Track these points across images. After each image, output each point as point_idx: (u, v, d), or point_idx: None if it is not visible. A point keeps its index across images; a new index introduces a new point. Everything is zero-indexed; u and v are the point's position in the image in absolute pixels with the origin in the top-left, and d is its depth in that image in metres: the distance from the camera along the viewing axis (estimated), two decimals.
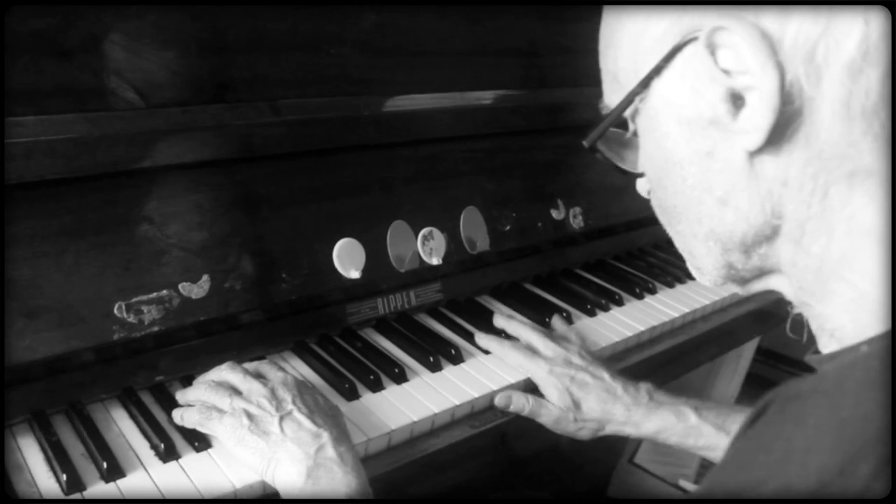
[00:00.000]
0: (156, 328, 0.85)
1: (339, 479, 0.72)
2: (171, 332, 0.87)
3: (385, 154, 1.07)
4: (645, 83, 0.54)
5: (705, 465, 1.89)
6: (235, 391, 0.81)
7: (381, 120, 1.06)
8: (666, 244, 1.43)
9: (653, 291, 1.28)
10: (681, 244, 0.61)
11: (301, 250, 0.98)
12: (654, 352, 1.16)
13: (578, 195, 1.29)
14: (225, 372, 0.83)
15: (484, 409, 0.97)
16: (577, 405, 0.95)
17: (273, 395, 0.79)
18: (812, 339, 0.56)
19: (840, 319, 0.52)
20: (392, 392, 0.94)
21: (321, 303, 1.02)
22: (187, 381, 0.90)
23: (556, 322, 1.13)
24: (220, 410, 0.79)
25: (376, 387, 0.94)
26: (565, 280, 1.28)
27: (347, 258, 1.01)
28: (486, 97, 1.18)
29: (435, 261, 1.09)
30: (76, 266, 0.81)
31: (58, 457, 0.76)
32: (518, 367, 1.00)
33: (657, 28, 0.53)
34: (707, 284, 0.62)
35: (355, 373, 0.95)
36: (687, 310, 1.24)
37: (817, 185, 0.50)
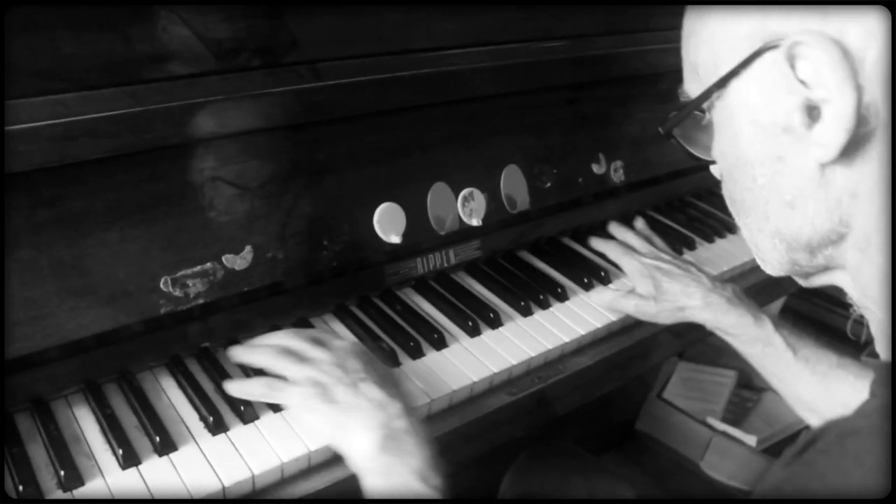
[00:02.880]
0: (201, 300, 0.86)
1: (411, 448, 0.72)
2: (215, 302, 0.88)
3: (425, 115, 1.05)
4: (723, 82, 0.55)
5: (734, 402, 1.92)
6: (300, 358, 0.81)
7: (419, 80, 1.02)
8: (706, 193, 1.42)
9: (692, 246, 1.27)
10: (748, 236, 0.63)
11: (342, 216, 0.97)
12: None
13: (620, 148, 1.26)
14: (287, 338, 0.83)
15: (521, 376, 0.98)
16: (658, 287, 1.01)
17: (343, 362, 0.79)
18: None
19: None
20: (431, 358, 0.95)
21: (361, 264, 1.03)
22: (232, 345, 0.92)
23: (639, 224, 1.21)
24: (284, 379, 0.79)
25: (416, 354, 0.95)
26: (603, 236, 1.27)
27: (388, 223, 1.00)
28: (527, 50, 1.13)
29: (475, 222, 1.08)
30: (121, 243, 0.82)
31: (113, 431, 0.79)
32: (614, 258, 1.11)
33: (741, 28, 0.53)
34: (770, 273, 0.63)
35: (395, 339, 0.97)
36: (726, 267, 1.22)
37: (887, 200, 0.50)
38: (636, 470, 1.83)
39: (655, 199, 1.37)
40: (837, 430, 0.50)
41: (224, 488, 0.76)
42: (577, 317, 1.06)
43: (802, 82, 0.49)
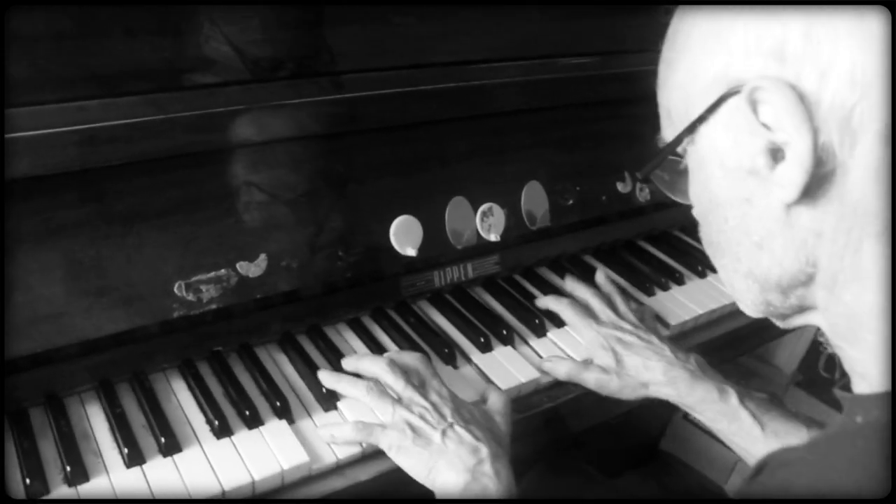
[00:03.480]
0: (214, 306, 0.88)
1: (492, 493, 0.76)
2: (228, 307, 0.90)
3: (447, 128, 1.05)
4: (692, 127, 0.56)
5: None
6: (394, 396, 0.86)
7: (442, 94, 1.03)
8: None
9: (716, 270, 1.25)
10: (724, 277, 0.63)
11: (358, 228, 0.98)
12: (712, 336, 1.14)
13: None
14: (379, 370, 0.87)
15: (530, 394, 0.98)
16: (619, 362, 0.97)
17: (434, 407, 0.83)
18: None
19: (868, 365, 0.53)
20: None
21: (377, 276, 1.03)
22: (244, 350, 0.94)
23: (599, 277, 1.14)
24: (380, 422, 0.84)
25: None
26: (626, 254, 1.26)
27: (404, 235, 1.01)
28: (555, 66, 1.13)
29: (493, 237, 1.08)
30: (138, 247, 0.84)
31: (121, 430, 0.81)
32: (570, 324, 1.04)
33: (707, 74, 0.54)
34: (749, 314, 0.63)
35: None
36: None
37: (850, 239, 0.51)
38: (656, 489, 1.80)
39: (682, 219, 1.35)
40: (775, 461, 0.52)
41: (224, 492, 0.77)
42: None
43: (765, 125, 0.51)
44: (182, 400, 0.87)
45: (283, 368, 0.94)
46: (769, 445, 0.86)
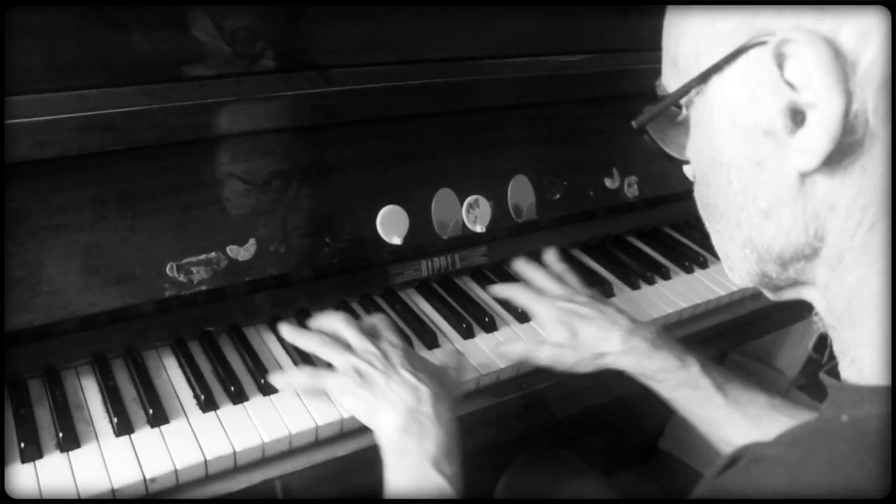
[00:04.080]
0: (204, 287, 0.93)
1: (429, 432, 0.77)
2: (219, 289, 0.95)
3: (435, 122, 1.09)
4: (704, 77, 0.52)
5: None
6: (348, 346, 0.88)
7: (431, 89, 1.07)
8: None
9: (703, 266, 1.27)
10: (717, 243, 0.60)
11: (345, 216, 1.02)
12: (696, 329, 1.17)
13: (635, 163, 1.27)
14: (339, 326, 0.91)
15: (509, 380, 1.01)
16: (574, 334, 0.95)
17: (384, 354, 0.86)
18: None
19: (862, 351, 0.50)
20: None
21: (366, 263, 1.07)
22: (234, 331, 0.99)
23: (550, 257, 1.11)
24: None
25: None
26: (615, 248, 1.29)
27: (391, 224, 1.05)
28: (544, 63, 1.17)
29: (479, 228, 1.12)
30: (132, 229, 0.89)
31: (113, 402, 0.85)
32: (523, 305, 1.04)
33: (727, 22, 0.50)
34: (738, 283, 0.60)
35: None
36: (735, 288, 1.22)
37: (865, 217, 0.48)
38: (654, 488, 1.82)
39: (673, 217, 1.38)
40: (750, 454, 0.49)
41: (206, 461, 0.81)
42: None
43: (789, 84, 0.46)
44: (172, 376, 0.92)
45: (272, 348, 0.98)
46: (730, 413, 0.86)
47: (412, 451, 0.77)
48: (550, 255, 1.12)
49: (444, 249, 1.14)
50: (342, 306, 1.06)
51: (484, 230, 1.12)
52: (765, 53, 0.47)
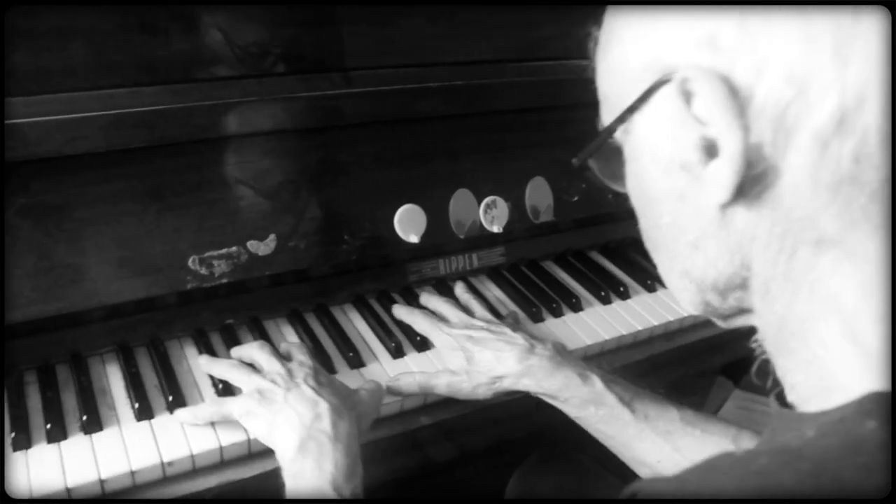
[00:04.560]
0: (224, 280, 0.96)
1: (327, 452, 0.75)
2: (239, 282, 0.98)
3: (453, 124, 1.11)
4: (625, 116, 0.53)
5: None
6: (257, 369, 0.89)
7: (450, 91, 1.09)
8: None
9: None
10: (662, 273, 0.60)
11: (364, 214, 1.05)
12: (708, 334, 1.17)
13: None
14: (254, 351, 0.91)
15: None
16: (470, 360, 0.93)
17: (288, 372, 0.85)
18: None
19: (797, 377, 0.51)
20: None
21: (385, 261, 1.10)
22: (254, 324, 1.02)
23: (458, 289, 1.11)
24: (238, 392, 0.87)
25: (422, 347, 1.01)
26: (633, 252, 1.29)
27: (408, 223, 1.07)
28: (563, 67, 1.18)
29: (496, 228, 1.14)
30: (157, 223, 0.92)
31: (135, 388, 0.89)
32: (422, 332, 1.01)
33: (639, 60, 0.51)
34: (689, 311, 0.60)
35: (405, 332, 1.03)
36: None
37: (784, 246, 0.48)
38: None
39: None
40: (644, 491, 0.46)
41: (221, 448, 0.84)
42: (586, 327, 1.09)
43: (697, 119, 0.47)
44: (192, 365, 0.95)
45: (290, 341, 1.01)
46: (639, 430, 0.84)
47: (310, 474, 0.74)
48: (458, 288, 1.11)
49: (462, 249, 1.16)
50: (360, 302, 1.09)
51: (501, 230, 1.14)
52: (673, 91, 0.48)
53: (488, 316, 1.02)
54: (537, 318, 1.10)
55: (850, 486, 0.40)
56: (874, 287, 0.46)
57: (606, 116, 0.58)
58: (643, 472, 0.86)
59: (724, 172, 0.47)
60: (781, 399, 0.54)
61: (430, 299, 1.08)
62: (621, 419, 0.85)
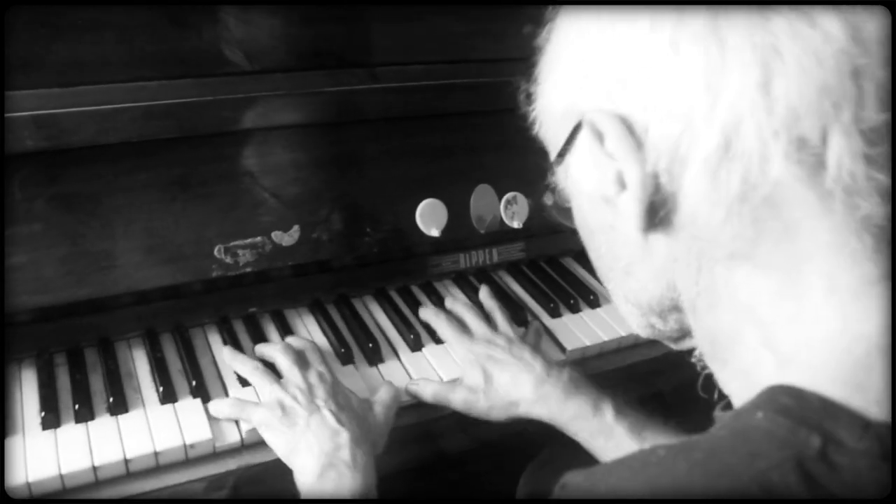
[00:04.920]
0: (249, 269, 0.98)
1: (347, 480, 0.78)
2: (263, 272, 1.00)
3: (477, 121, 1.13)
4: (559, 158, 0.57)
5: None
6: (278, 374, 0.91)
7: (475, 88, 1.10)
8: None
9: None
10: (613, 299, 0.64)
11: (386, 207, 1.07)
12: None
13: None
14: (277, 355, 0.93)
15: None
16: (488, 380, 0.93)
17: (309, 389, 0.87)
18: None
19: (732, 386, 0.54)
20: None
21: (406, 253, 1.12)
22: (276, 315, 1.04)
23: (483, 294, 1.09)
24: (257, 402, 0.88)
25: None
26: None
27: (430, 217, 1.09)
28: None
29: (516, 224, 1.15)
30: (184, 212, 0.95)
31: (160, 372, 0.92)
32: (445, 340, 1.02)
33: (559, 106, 0.56)
34: (640, 335, 0.63)
35: (425, 325, 1.05)
36: None
37: (701, 264, 0.52)
38: None
39: None
40: (559, 484, 0.50)
41: (241, 431, 0.86)
42: (603, 323, 1.10)
43: (610, 155, 0.51)
44: (215, 352, 0.98)
45: (311, 331, 1.04)
46: None
47: (328, 496, 0.77)
48: (483, 292, 1.10)
49: (483, 244, 1.17)
50: (380, 294, 1.11)
51: (521, 226, 1.15)
52: (587, 132, 0.52)
53: (510, 333, 1.01)
54: (555, 314, 1.11)
55: (735, 472, 0.43)
56: (785, 294, 0.49)
57: (550, 157, 0.61)
58: None
59: (630, 202, 0.51)
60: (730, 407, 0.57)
61: (455, 305, 1.07)
62: (630, 450, 0.85)
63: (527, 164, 1.16)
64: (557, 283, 1.17)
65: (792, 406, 0.45)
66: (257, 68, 0.98)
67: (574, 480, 0.48)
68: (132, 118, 0.90)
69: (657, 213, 0.51)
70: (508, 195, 1.14)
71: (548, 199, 0.64)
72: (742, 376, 0.52)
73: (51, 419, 0.84)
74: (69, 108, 0.88)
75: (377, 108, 1.05)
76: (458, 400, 0.93)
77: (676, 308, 0.56)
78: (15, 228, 0.88)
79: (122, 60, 0.91)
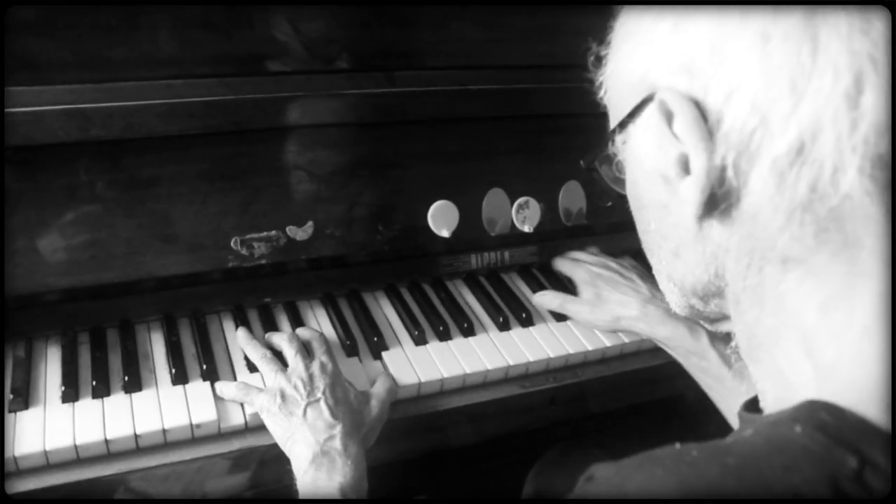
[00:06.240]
0: (263, 261, 1.03)
1: (338, 467, 0.83)
2: (278, 264, 1.05)
3: (492, 125, 1.15)
4: (622, 126, 0.57)
5: None
6: (284, 362, 0.95)
7: (492, 94, 1.13)
8: None
9: None
10: (655, 274, 0.65)
11: (399, 207, 1.11)
12: None
13: None
14: (284, 344, 0.97)
15: (538, 373, 1.06)
16: (598, 296, 1.08)
17: (310, 379, 0.91)
18: None
19: (765, 385, 0.54)
20: (456, 343, 1.06)
21: (418, 252, 1.15)
22: (289, 306, 1.09)
23: (593, 249, 1.22)
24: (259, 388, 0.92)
25: (444, 337, 1.06)
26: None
27: (441, 218, 1.12)
28: None
29: (527, 228, 1.17)
30: (204, 205, 1.00)
31: (174, 355, 0.97)
32: (567, 271, 1.17)
33: (632, 76, 0.55)
34: (677, 312, 0.65)
35: (429, 320, 1.09)
36: None
37: (752, 261, 0.51)
38: None
39: None
40: (587, 474, 0.49)
41: (245, 415, 0.91)
42: None
43: (676, 137, 0.50)
44: (229, 339, 1.03)
45: (321, 323, 1.08)
46: (735, 385, 0.90)
47: (321, 483, 0.82)
48: (592, 248, 1.23)
49: (496, 246, 1.20)
50: (391, 290, 1.14)
51: (531, 230, 1.17)
52: (655, 109, 0.52)
53: (623, 262, 1.14)
54: (560, 318, 1.13)
55: (768, 483, 0.43)
56: (834, 305, 0.49)
57: (611, 123, 0.62)
58: (732, 419, 0.91)
59: (692, 189, 0.51)
60: (754, 404, 0.57)
61: (569, 253, 1.20)
62: (719, 373, 0.93)
63: (540, 170, 1.20)
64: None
65: (831, 424, 0.44)
66: (278, 70, 1.02)
67: (603, 473, 0.47)
68: (157, 114, 0.95)
69: (717, 206, 0.51)
70: (520, 199, 1.17)
71: (599, 165, 0.64)
72: (777, 377, 0.52)
73: (70, 393, 0.90)
74: (100, 103, 0.94)
75: (394, 111, 1.08)
76: (571, 309, 1.09)
77: (720, 295, 0.57)
78: (50, 215, 0.94)
79: (152, 59, 0.96)
